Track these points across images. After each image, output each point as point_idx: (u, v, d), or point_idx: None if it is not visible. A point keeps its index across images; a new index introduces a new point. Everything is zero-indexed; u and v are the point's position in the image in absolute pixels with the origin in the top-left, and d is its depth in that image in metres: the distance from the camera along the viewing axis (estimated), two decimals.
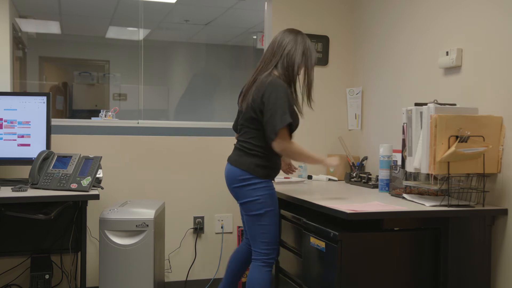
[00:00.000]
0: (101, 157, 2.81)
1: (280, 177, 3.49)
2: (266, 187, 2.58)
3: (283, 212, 2.92)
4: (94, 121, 3.45)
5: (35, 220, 2.74)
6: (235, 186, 2.61)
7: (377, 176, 2.97)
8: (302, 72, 2.69)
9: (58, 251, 3.20)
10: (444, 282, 2.30)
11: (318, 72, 3.78)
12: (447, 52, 2.70)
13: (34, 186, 2.68)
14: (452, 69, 2.71)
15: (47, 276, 2.73)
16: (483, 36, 2.51)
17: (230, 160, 2.67)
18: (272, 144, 2.52)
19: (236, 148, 2.69)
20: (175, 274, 3.54)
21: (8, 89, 3.23)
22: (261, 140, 2.57)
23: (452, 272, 2.30)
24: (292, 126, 2.54)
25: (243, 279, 3.46)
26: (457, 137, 2.26)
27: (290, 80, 2.62)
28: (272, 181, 2.68)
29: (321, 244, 2.35)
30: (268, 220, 2.58)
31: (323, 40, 3.78)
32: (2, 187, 2.66)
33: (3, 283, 3.17)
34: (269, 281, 2.60)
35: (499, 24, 2.41)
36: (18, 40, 3.96)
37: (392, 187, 2.76)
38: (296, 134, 3.71)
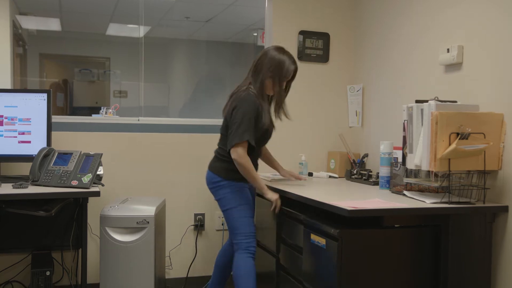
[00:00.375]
0: (102, 154, 2.82)
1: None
2: (233, 186, 2.84)
3: (283, 208, 2.93)
4: (94, 118, 3.45)
5: (36, 217, 2.73)
6: (210, 188, 2.92)
7: (378, 173, 2.97)
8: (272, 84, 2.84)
9: (59, 247, 3.21)
10: (445, 279, 2.31)
11: (318, 69, 3.79)
12: (448, 49, 2.70)
13: (35, 183, 2.68)
14: (453, 66, 2.70)
15: (48, 273, 2.73)
16: (484, 33, 2.50)
17: (208, 165, 2.95)
18: (229, 151, 2.77)
19: (214, 154, 2.97)
20: (176, 271, 3.54)
21: (8, 86, 3.23)
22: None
23: (453, 269, 2.31)
24: (250, 142, 2.75)
25: None
26: (458, 134, 2.26)
27: (260, 94, 2.82)
28: (246, 184, 2.87)
29: (322, 241, 2.35)
30: (238, 213, 2.83)
31: (324, 37, 3.78)
32: (2, 184, 2.66)
33: (4, 279, 3.18)
34: (253, 267, 2.80)
35: (500, 21, 2.40)
36: (19, 37, 3.96)
37: (392, 184, 2.76)
38: (297, 131, 3.72)
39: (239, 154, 2.72)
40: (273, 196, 2.82)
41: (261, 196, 2.95)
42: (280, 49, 2.87)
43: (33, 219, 2.96)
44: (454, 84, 2.70)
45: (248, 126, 2.72)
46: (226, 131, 2.83)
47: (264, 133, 2.85)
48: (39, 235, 3.17)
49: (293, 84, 3.73)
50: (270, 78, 2.82)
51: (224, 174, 2.84)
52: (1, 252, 3.16)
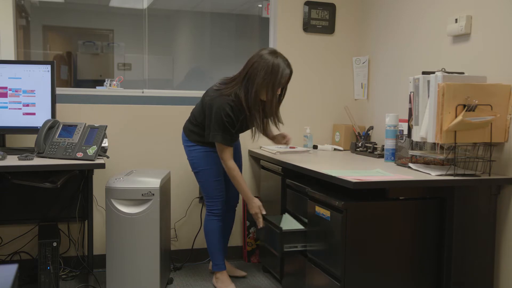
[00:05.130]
0: (106, 126, 2.81)
1: (286, 147, 3.49)
2: (198, 150, 2.99)
3: (288, 181, 2.93)
4: (99, 90, 3.44)
5: (42, 188, 2.75)
6: (184, 147, 3.09)
7: (383, 145, 2.96)
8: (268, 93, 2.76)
9: (65, 219, 3.24)
10: (449, 251, 2.32)
11: (324, 40, 3.75)
12: (456, 20, 2.65)
13: (40, 155, 2.69)
14: (461, 37, 2.66)
15: (54, 244, 2.76)
16: (493, 3, 2.46)
17: (183, 126, 3.12)
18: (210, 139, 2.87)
19: (189, 116, 3.11)
20: (181, 243, 3.58)
21: (12, 58, 3.21)
22: (200, 115, 2.95)
23: (457, 241, 2.31)
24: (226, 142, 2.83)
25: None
26: (464, 106, 2.24)
27: (255, 103, 2.76)
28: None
29: (326, 213, 2.36)
30: (203, 177, 3.01)
31: (330, 8, 3.72)
32: (8, 156, 2.67)
33: (12, 250, 3.22)
34: (217, 227, 3.06)
35: None
36: (21, 8, 3.91)
37: (398, 157, 2.76)
38: (302, 104, 3.70)
39: (227, 165, 2.86)
40: (252, 209, 2.88)
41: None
42: (274, 53, 2.76)
43: (39, 191, 2.98)
44: (461, 55, 2.67)
45: (225, 131, 2.79)
46: (200, 106, 2.97)
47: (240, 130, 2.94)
48: (45, 207, 3.20)
49: (299, 56, 3.72)
50: (263, 86, 2.73)
51: (193, 138, 3.00)
52: (9, 223, 3.19)
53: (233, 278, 3.20)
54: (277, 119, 2.93)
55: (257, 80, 2.72)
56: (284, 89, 2.90)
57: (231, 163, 2.86)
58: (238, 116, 2.81)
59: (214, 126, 2.80)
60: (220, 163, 2.96)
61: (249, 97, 2.75)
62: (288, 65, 2.77)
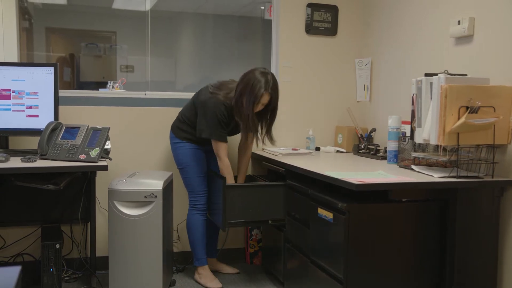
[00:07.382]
0: (109, 128, 2.82)
1: (288, 148, 3.49)
2: (184, 147, 3.13)
3: (290, 183, 2.93)
4: (101, 93, 3.44)
5: (45, 190, 2.76)
6: (171, 145, 3.22)
7: (386, 147, 2.96)
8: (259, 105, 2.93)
9: (67, 221, 3.24)
10: (451, 253, 2.31)
11: (326, 42, 3.75)
12: (458, 21, 2.65)
13: (43, 157, 2.69)
14: (464, 39, 2.66)
15: (57, 246, 2.76)
16: (495, 4, 2.45)
17: (171, 125, 3.26)
18: (200, 134, 3.03)
19: (177, 116, 3.25)
20: (184, 245, 3.57)
21: (15, 60, 3.22)
22: (191, 114, 3.11)
23: (459, 243, 2.31)
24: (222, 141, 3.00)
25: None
26: (467, 107, 2.24)
27: (236, 110, 2.93)
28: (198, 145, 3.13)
29: (329, 215, 2.35)
30: (188, 173, 3.16)
31: (332, 10, 3.72)
32: (11, 158, 2.68)
33: (15, 252, 3.22)
34: (200, 222, 3.20)
35: None
36: (24, 11, 3.93)
37: (400, 159, 2.75)
38: (305, 105, 3.70)
39: (223, 162, 3.00)
40: None
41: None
42: (264, 73, 2.90)
43: (42, 192, 2.99)
44: (464, 57, 2.66)
45: (218, 128, 2.96)
46: (191, 103, 3.14)
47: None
48: (48, 209, 3.20)
49: (302, 57, 3.72)
50: (242, 99, 2.90)
51: (177, 133, 3.15)
52: (12, 225, 3.19)
53: (227, 275, 3.34)
54: (253, 130, 2.99)
55: (239, 91, 2.91)
56: (269, 111, 3.00)
57: (226, 161, 3.01)
58: (230, 119, 3.00)
59: (210, 124, 2.97)
60: (204, 160, 3.18)
61: (235, 106, 2.93)
62: (267, 87, 2.86)
